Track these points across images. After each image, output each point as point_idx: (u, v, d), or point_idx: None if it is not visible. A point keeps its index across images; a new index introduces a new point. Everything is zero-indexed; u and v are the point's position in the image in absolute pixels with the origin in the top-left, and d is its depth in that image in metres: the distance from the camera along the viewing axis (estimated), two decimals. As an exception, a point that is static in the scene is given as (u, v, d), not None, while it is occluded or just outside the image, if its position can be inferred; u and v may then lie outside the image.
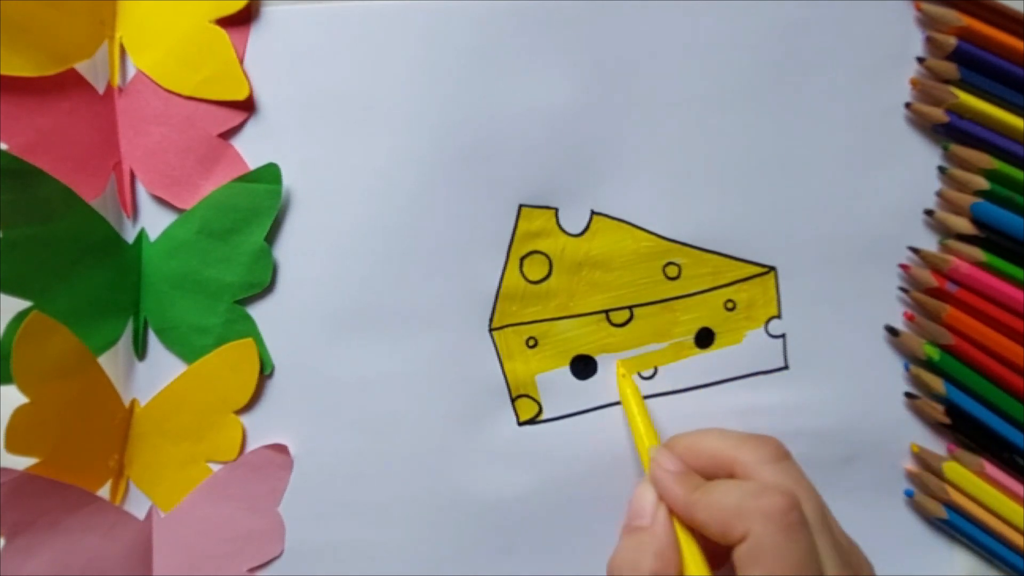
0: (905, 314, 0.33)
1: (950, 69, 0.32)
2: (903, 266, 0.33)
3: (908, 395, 0.33)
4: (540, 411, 0.33)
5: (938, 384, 0.32)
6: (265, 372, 0.33)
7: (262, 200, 0.32)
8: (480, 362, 0.33)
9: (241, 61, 0.32)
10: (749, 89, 0.33)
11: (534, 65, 0.32)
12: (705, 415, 0.33)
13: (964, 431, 0.32)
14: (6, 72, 0.30)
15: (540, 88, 0.32)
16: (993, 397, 0.32)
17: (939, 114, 0.32)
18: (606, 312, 0.33)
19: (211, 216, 0.32)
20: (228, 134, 0.33)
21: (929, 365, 0.33)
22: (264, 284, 0.33)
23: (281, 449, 0.33)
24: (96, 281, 0.32)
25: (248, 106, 0.32)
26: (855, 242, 0.33)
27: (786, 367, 0.33)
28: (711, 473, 0.28)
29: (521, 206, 0.33)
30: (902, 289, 0.33)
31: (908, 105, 0.33)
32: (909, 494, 0.33)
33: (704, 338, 0.34)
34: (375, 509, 0.33)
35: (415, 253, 0.33)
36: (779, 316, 0.33)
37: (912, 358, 0.33)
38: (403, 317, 0.33)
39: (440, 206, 0.33)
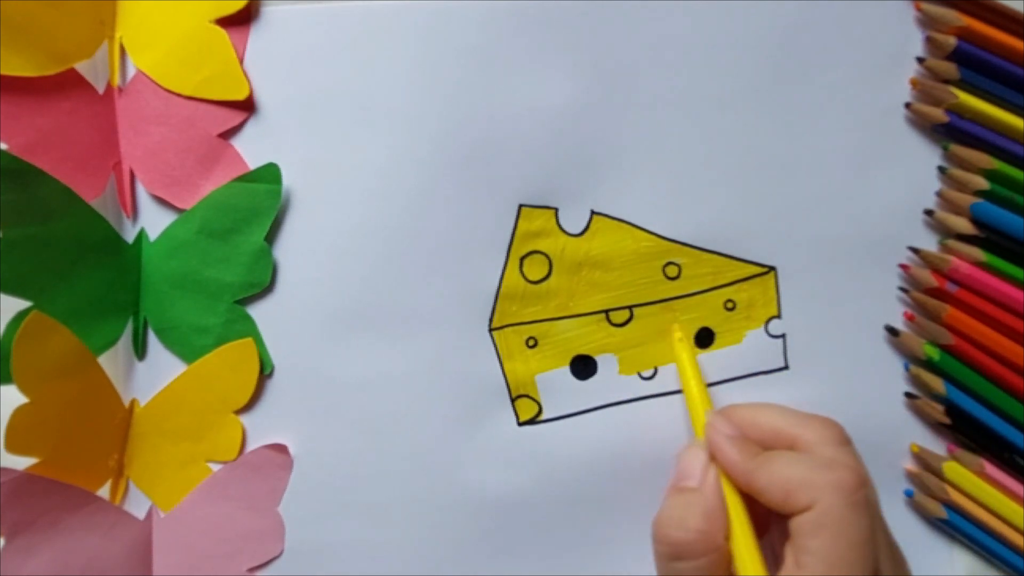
0: (905, 314, 0.33)
1: (950, 69, 0.32)
2: (903, 266, 0.33)
3: (908, 395, 0.33)
4: (540, 411, 0.33)
5: (938, 384, 0.32)
6: (265, 372, 0.33)
7: (262, 200, 0.32)
8: (480, 362, 0.33)
9: (241, 61, 0.32)
10: (749, 89, 0.33)
11: (534, 65, 0.32)
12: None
13: (964, 431, 0.32)
14: (6, 72, 0.30)
15: (540, 88, 0.32)
16: (993, 397, 0.32)
17: (939, 114, 0.32)
18: (606, 312, 0.33)
19: (211, 216, 0.32)
20: (228, 134, 0.33)
21: (929, 365, 0.33)
22: (264, 284, 0.33)
23: (281, 449, 0.33)
24: (96, 281, 0.32)
25: (248, 106, 0.32)
26: (855, 242, 0.33)
27: (786, 367, 0.33)
28: (768, 446, 0.28)
29: (521, 206, 0.33)
30: (902, 289, 0.33)
31: (908, 105, 0.33)
32: (909, 494, 0.33)
33: (704, 338, 0.34)
34: (375, 509, 0.33)
35: (415, 253, 0.33)
36: (779, 316, 0.33)
37: (912, 358, 0.33)
38: (403, 317, 0.33)
39: (440, 206, 0.33)
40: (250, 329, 0.33)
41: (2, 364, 0.29)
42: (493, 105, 0.32)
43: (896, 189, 0.33)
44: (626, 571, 0.33)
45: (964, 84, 0.32)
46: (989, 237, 0.32)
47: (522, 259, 0.33)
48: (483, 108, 0.32)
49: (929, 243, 0.33)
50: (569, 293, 0.33)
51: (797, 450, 0.28)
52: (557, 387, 0.33)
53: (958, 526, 0.32)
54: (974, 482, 0.32)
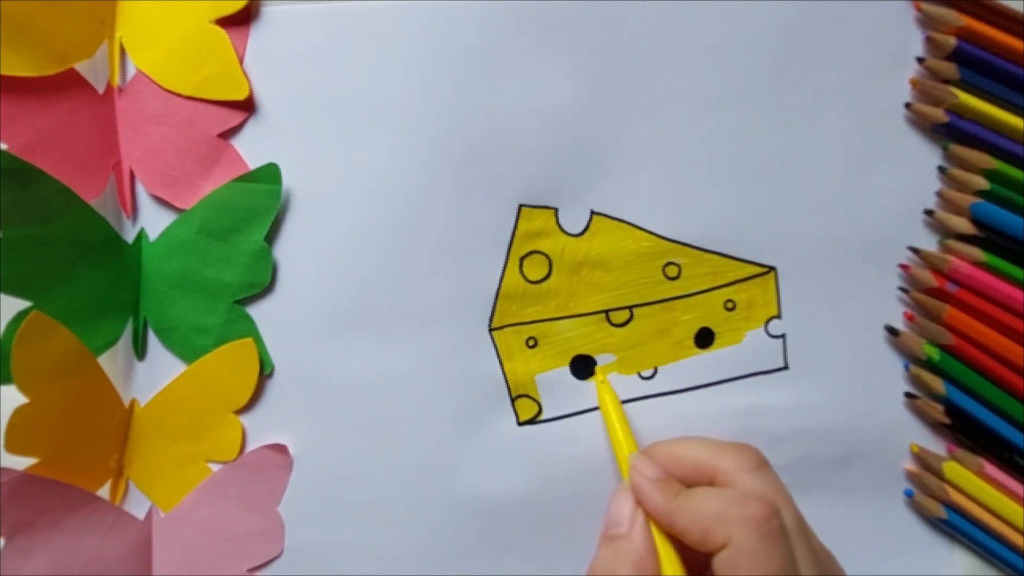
0: (905, 314, 0.33)
1: (950, 69, 0.32)
2: (903, 266, 0.33)
3: (908, 395, 0.33)
4: (540, 411, 0.33)
5: (938, 384, 0.32)
6: (265, 372, 0.33)
7: (262, 200, 0.32)
8: (480, 362, 0.33)
9: (241, 61, 0.32)
10: (749, 89, 0.33)
11: (534, 65, 0.32)
12: (705, 415, 0.33)
13: (964, 431, 0.32)
14: (6, 72, 0.30)
15: (540, 88, 0.32)
16: (993, 397, 0.32)
17: (939, 114, 0.32)
18: (606, 312, 0.33)
19: (211, 216, 0.32)
20: (228, 134, 0.33)
21: (929, 365, 0.33)
22: (264, 284, 0.33)
23: (281, 449, 0.33)
24: (96, 281, 0.32)
25: (248, 106, 0.32)
26: (855, 242, 0.33)
27: (786, 367, 0.33)
28: (691, 481, 0.29)
29: (521, 206, 0.33)
30: (902, 289, 0.33)
31: (908, 105, 0.33)
32: (909, 494, 0.33)
33: (704, 338, 0.34)
34: (375, 509, 0.33)
35: (415, 253, 0.33)
36: (779, 316, 0.33)
37: (912, 358, 0.33)
38: (403, 317, 0.33)
39: (440, 206, 0.33)
40: (250, 329, 0.33)
41: (2, 364, 0.29)
42: (493, 105, 0.32)
43: (896, 189, 0.33)
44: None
45: (964, 84, 0.32)
46: (989, 237, 0.32)
47: (522, 259, 0.33)
48: (483, 108, 0.32)
49: (929, 243, 0.33)
50: (569, 293, 0.33)
51: (717, 481, 0.28)
52: (557, 387, 0.33)
53: (958, 526, 0.32)
54: (974, 482, 0.32)
